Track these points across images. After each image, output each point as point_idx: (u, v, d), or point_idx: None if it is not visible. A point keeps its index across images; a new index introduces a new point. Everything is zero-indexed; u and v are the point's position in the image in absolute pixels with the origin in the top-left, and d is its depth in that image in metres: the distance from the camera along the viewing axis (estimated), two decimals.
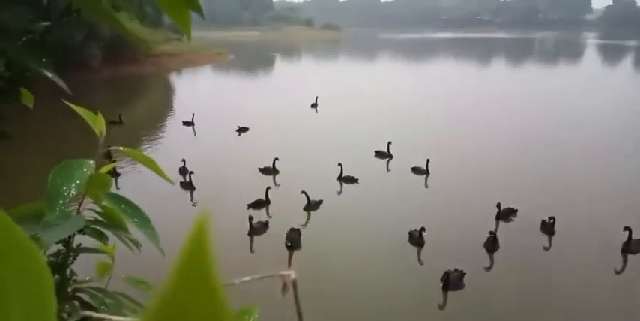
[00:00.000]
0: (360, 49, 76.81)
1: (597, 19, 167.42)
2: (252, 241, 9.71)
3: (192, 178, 12.74)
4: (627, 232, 9.02)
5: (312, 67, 51.47)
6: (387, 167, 14.77)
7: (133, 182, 12.19)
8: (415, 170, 13.83)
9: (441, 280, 7.88)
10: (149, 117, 24.86)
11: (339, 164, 13.21)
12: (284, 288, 0.42)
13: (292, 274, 0.42)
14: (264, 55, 65.14)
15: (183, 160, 13.71)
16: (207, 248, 0.28)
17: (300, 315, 0.43)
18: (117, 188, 12.61)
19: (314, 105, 24.62)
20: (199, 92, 30.21)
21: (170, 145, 17.50)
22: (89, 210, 1.15)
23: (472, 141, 17.45)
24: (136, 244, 1.12)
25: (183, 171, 13.54)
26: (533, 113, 22.76)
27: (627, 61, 57.81)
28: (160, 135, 19.36)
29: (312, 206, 11.22)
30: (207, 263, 0.27)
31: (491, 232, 9.27)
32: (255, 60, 57.51)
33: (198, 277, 0.27)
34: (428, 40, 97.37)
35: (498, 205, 10.42)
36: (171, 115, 24.11)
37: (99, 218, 1.13)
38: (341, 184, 13.12)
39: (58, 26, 1.21)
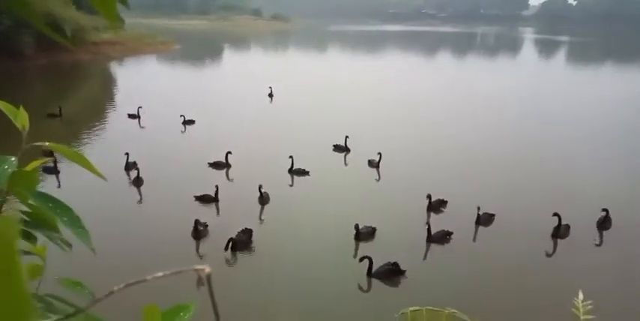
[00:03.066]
0: (312, 40, 76.59)
1: (533, 14, 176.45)
2: (198, 244, 9.24)
3: (139, 173, 12.24)
4: (557, 218, 9.58)
5: (262, 58, 50.75)
6: (345, 161, 14.86)
7: (79, 179, 11.58)
8: (371, 163, 14.00)
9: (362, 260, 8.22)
10: (90, 109, 23.60)
11: (290, 157, 13.18)
12: (199, 282, 0.42)
13: (207, 268, 0.41)
14: (212, 45, 63.48)
15: (127, 154, 13.16)
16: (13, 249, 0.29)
17: (215, 308, 0.42)
18: (58, 186, 11.98)
19: (270, 95, 24.41)
20: (143, 83, 28.97)
21: (115, 139, 16.69)
22: (14, 209, 1.08)
23: (427, 132, 17.85)
24: (67, 244, 1.06)
25: (128, 166, 13.03)
26: (482, 105, 23.62)
27: (560, 55, 61.49)
28: (103, 128, 18.43)
29: (265, 200, 11.13)
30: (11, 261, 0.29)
31: (427, 224, 9.56)
32: (202, 50, 55.92)
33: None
34: (377, 32, 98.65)
35: (429, 196, 10.69)
36: (114, 107, 23.02)
37: (26, 218, 1.06)
38: (292, 177, 13.12)
39: None
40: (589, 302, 1.28)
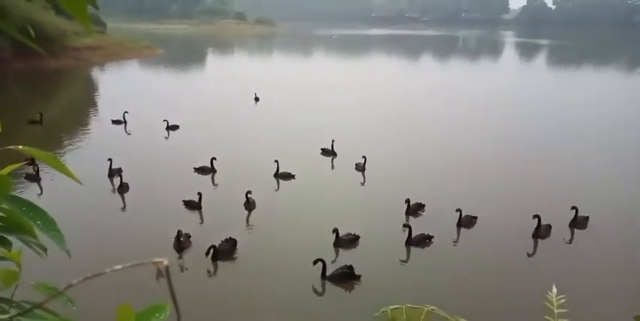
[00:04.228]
0: (297, 44, 76.69)
1: (514, 18, 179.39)
2: (180, 256, 8.92)
3: (122, 180, 12.06)
4: (537, 220, 9.72)
5: (247, 62, 50.62)
6: (332, 164, 14.83)
7: (61, 187, 11.41)
8: (358, 167, 13.99)
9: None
10: (71, 115, 23.24)
11: (276, 161, 13.16)
12: (158, 275, 0.43)
13: (165, 261, 0.42)
14: (195, 50, 63.10)
15: (110, 160, 12.99)
16: None
17: (174, 299, 0.43)
18: (39, 193, 11.77)
19: (256, 99, 24.34)
20: (126, 88, 28.68)
21: (98, 145, 16.46)
22: None
23: (414, 135, 17.95)
24: (43, 248, 1.05)
25: (112, 172, 12.85)
26: (466, 108, 23.85)
27: (541, 58, 62.64)
28: (86, 135, 18.17)
29: (251, 205, 11.05)
30: None
31: (405, 225, 9.54)
32: (186, 54, 55.54)
33: None
34: (361, 36, 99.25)
35: (407, 201, 10.72)
36: (96, 113, 22.73)
37: (0, 223, 1.05)
38: (278, 181, 13.08)
39: None
40: (562, 296, 1.32)
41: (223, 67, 45.40)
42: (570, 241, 10.01)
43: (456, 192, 12.11)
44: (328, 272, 8.19)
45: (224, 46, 72.00)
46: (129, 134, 18.42)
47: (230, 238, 9.09)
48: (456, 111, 23.07)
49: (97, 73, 37.34)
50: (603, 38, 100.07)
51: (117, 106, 20.97)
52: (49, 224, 0.96)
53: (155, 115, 19.66)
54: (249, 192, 11.03)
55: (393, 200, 11.24)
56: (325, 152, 15.47)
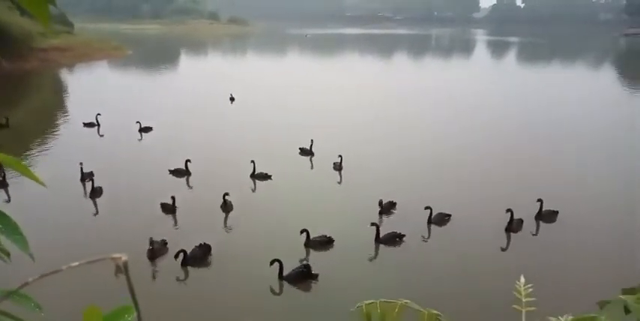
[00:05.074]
0: (272, 44, 76.34)
1: (484, 17, 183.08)
2: (153, 263, 8.62)
3: (94, 184, 11.76)
4: (509, 214, 9.92)
5: (221, 62, 50.11)
6: (312, 164, 14.80)
7: (30, 193, 11.07)
8: (335, 166, 13.96)
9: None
10: (40, 118, 22.56)
11: (252, 161, 13.08)
12: (117, 270, 0.43)
13: (123, 256, 0.42)
14: (166, 50, 62.14)
15: (81, 164, 12.66)
16: None
17: (133, 296, 0.43)
18: (7, 199, 11.40)
19: (232, 99, 24.16)
20: (96, 90, 28.03)
21: (69, 149, 15.99)
22: None
23: (393, 135, 17.95)
24: (6, 253, 1.03)
25: (83, 177, 12.53)
26: (441, 105, 24.22)
27: (511, 55, 64.13)
28: (56, 138, 17.66)
29: (228, 207, 10.92)
30: None
31: (372, 224, 9.48)
32: (157, 55, 54.66)
33: None
34: (336, 35, 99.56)
35: (380, 202, 10.74)
36: (65, 115, 22.14)
37: None
38: (254, 182, 13.01)
39: None
40: (530, 285, 1.36)
41: (197, 67, 44.84)
42: (536, 233, 10.25)
43: (433, 191, 12.15)
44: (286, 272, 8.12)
45: (197, 46, 71.12)
46: (102, 136, 18.02)
47: (203, 243, 8.84)
48: (429, 108, 23.41)
49: (65, 75, 36.37)
50: (570, 36, 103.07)
51: (87, 108, 20.47)
52: (12, 228, 0.94)
53: (127, 116, 19.26)
54: (226, 194, 10.90)
55: (369, 199, 11.23)
56: (303, 152, 15.44)
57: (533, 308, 1.34)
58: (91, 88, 29.02)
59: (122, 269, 0.40)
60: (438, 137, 18.01)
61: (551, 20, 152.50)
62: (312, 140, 15.35)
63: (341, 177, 13.57)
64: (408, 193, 11.82)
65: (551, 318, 1.25)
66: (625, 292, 1.43)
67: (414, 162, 14.85)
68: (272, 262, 8.09)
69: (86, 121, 18.84)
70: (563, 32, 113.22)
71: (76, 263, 0.44)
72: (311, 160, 15.06)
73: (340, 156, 13.83)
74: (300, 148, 15.53)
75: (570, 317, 1.23)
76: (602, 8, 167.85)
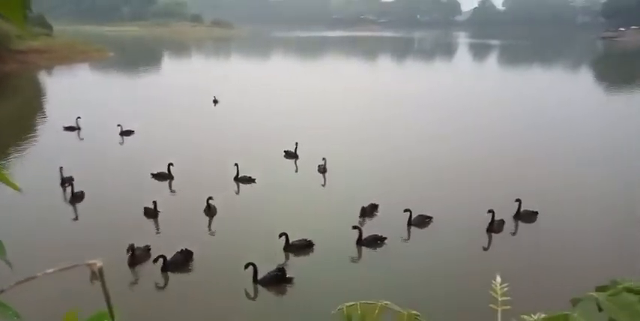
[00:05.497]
0: (256, 47, 76.11)
1: (466, 20, 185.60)
2: (135, 270, 8.50)
3: (73, 188, 11.52)
4: (491, 215, 10.03)
5: (204, 65, 49.79)
6: (296, 167, 14.74)
7: (8, 199, 10.79)
8: (319, 169, 13.91)
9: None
10: (17, 122, 22.04)
11: (236, 164, 12.99)
12: (93, 277, 0.44)
13: (98, 263, 0.43)
14: (148, 52, 61.56)
15: (61, 168, 12.44)
16: None
17: (108, 299, 0.44)
18: None
19: (215, 101, 24.01)
20: (76, 93, 27.57)
21: (49, 153, 15.67)
22: None
23: (378, 137, 17.93)
24: None
25: (64, 181, 12.29)
26: (425, 107, 24.37)
27: (492, 58, 65.15)
28: (34, 142, 17.30)
29: (212, 211, 10.82)
30: None
31: (354, 227, 9.46)
32: (139, 57, 54.09)
33: None
34: (320, 38, 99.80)
35: (363, 208, 10.67)
36: (44, 119, 21.72)
37: None
38: (238, 185, 12.93)
39: None
40: (506, 285, 1.39)
41: (179, 70, 44.46)
42: (514, 233, 10.40)
43: (416, 194, 12.18)
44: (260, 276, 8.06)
45: (180, 49, 70.57)
46: (82, 139, 17.73)
47: (185, 249, 8.71)
48: (418, 113, 23.40)
49: (44, 77, 35.72)
50: (550, 38, 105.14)
51: (67, 111, 20.12)
52: None
53: (107, 120, 19.00)
54: (210, 198, 10.79)
55: (353, 201, 11.20)
56: (288, 155, 15.40)
57: (508, 307, 1.37)
58: (71, 91, 28.52)
59: (97, 275, 0.41)
60: (422, 140, 18.13)
61: (530, 23, 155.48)
62: (296, 143, 15.32)
63: (325, 180, 13.56)
64: (391, 196, 11.86)
65: (524, 316, 1.28)
66: (598, 289, 1.47)
67: (398, 165, 14.90)
68: (246, 266, 8.03)
69: (66, 125, 18.51)
70: (542, 35, 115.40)
71: (51, 270, 0.44)
72: (296, 162, 15.03)
73: (324, 159, 13.83)
74: (284, 151, 15.50)
75: (543, 315, 1.26)
76: (580, 11, 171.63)
